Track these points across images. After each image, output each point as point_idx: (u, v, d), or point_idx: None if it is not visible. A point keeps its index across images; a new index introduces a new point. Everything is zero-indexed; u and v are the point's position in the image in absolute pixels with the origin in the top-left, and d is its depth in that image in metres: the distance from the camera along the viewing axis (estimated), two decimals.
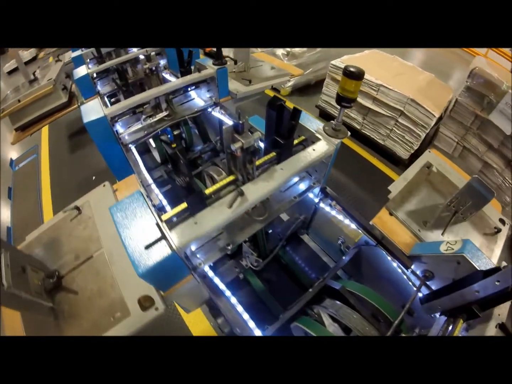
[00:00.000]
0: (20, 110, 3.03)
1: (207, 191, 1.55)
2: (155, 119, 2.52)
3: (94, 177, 4.17)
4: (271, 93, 4.88)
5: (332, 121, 1.81)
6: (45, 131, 5.22)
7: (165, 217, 1.38)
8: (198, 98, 2.77)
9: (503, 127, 3.23)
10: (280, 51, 5.26)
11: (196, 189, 1.50)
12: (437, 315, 1.49)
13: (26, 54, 8.38)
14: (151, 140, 3.05)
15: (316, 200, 2.22)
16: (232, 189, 1.70)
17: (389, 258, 1.77)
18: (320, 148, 1.73)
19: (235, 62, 2.96)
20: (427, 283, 1.59)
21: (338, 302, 1.74)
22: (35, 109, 3.16)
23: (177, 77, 2.82)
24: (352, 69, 1.37)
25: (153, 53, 2.39)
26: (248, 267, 2.36)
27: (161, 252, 1.22)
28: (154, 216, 1.32)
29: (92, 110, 2.26)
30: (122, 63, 3.16)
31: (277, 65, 3.26)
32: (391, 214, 1.88)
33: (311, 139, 1.85)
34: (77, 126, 5.12)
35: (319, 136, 1.80)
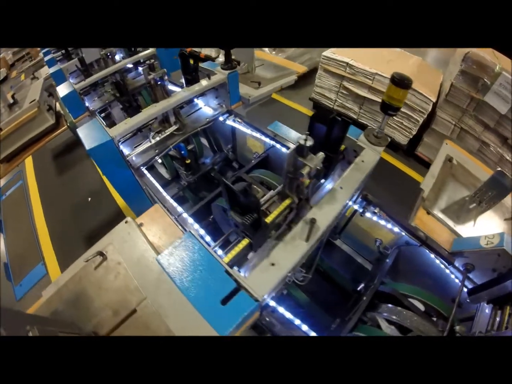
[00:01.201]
0: (3, 139, 2.53)
1: (268, 220, 1.28)
2: (164, 135, 2.15)
3: (89, 199, 3.69)
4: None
5: (372, 128, 1.67)
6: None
7: (227, 259, 1.17)
8: (206, 107, 2.41)
9: (498, 107, 3.15)
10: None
11: (263, 224, 1.21)
12: (483, 303, 1.46)
13: None
14: None
15: (356, 206, 1.95)
16: (286, 213, 1.42)
17: (431, 255, 1.70)
18: (369, 159, 1.55)
19: (238, 63, 2.60)
20: (468, 275, 1.56)
21: (394, 306, 1.61)
22: (20, 135, 2.63)
23: (180, 86, 2.42)
24: (401, 78, 1.23)
25: (156, 62, 1.98)
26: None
27: (243, 305, 0.98)
28: (219, 262, 1.07)
29: (94, 132, 1.85)
30: (111, 74, 2.72)
31: (279, 63, 2.93)
32: (428, 213, 1.83)
33: (351, 148, 1.68)
34: (61, 144, 4.55)
35: (362, 145, 1.61)
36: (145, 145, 2.09)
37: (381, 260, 2.15)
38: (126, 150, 2.02)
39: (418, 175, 3.91)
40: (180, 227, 1.62)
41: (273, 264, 1.11)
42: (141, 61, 2.92)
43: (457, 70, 3.39)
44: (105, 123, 2.67)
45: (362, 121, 4.28)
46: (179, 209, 1.76)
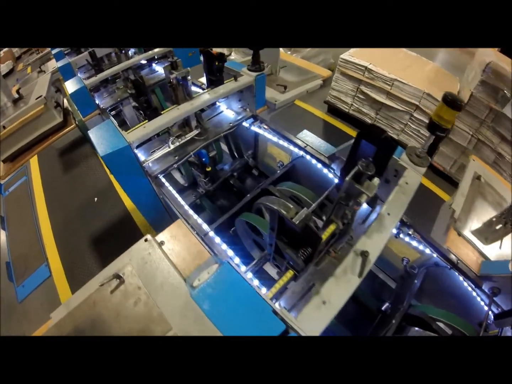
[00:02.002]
0: (7, 138, 2.24)
1: None
2: (184, 140, 1.89)
3: (96, 199, 3.41)
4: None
5: (414, 146, 1.56)
6: None
7: (270, 294, 1.11)
8: (228, 110, 2.15)
9: None
10: None
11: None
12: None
13: (3, 67, 6.71)
14: None
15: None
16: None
17: (460, 278, 1.61)
18: (412, 180, 1.43)
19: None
20: (494, 299, 1.50)
21: (423, 330, 1.50)
22: (25, 134, 2.34)
23: (199, 86, 2.15)
24: (454, 98, 1.12)
25: (179, 59, 1.71)
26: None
27: None
28: (265, 300, 0.92)
29: (108, 136, 1.59)
30: (124, 71, 2.45)
31: (302, 66, 2.67)
32: (459, 234, 1.76)
33: (392, 167, 1.52)
34: (67, 142, 4.24)
35: (405, 165, 1.48)
36: (163, 150, 1.82)
37: (407, 279, 1.98)
38: (141, 156, 1.76)
39: (433, 185, 3.71)
40: (206, 247, 1.37)
41: (324, 302, 0.98)
42: (155, 57, 2.65)
43: (477, 80, 3.20)
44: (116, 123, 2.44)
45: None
46: (205, 226, 1.51)
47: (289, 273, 1.15)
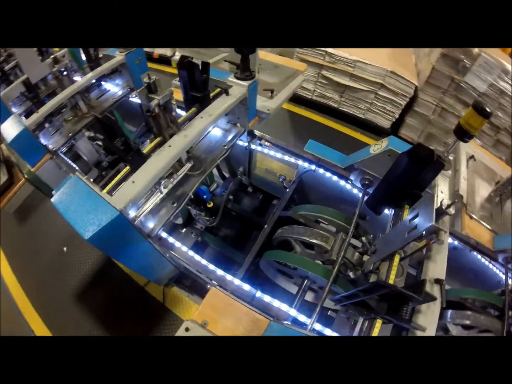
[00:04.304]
0: None
1: None
2: (177, 179, 1.45)
3: (65, 248, 2.75)
4: None
5: (437, 149, 1.45)
6: None
7: None
8: (216, 128, 1.72)
9: (477, 86, 3.09)
10: None
11: None
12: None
13: None
14: None
15: None
16: None
17: (478, 256, 1.64)
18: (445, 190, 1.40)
19: (238, 67, 1.90)
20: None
21: (457, 311, 1.46)
22: None
23: (181, 106, 1.66)
24: (483, 107, 1.05)
25: (157, 78, 1.23)
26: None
27: None
28: None
29: (84, 204, 1.09)
30: (71, 97, 1.84)
31: (277, 62, 2.28)
32: (471, 217, 1.77)
33: None
34: (20, 202, 3.27)
35: None
36: (155, 197, 1.38)
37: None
38: (132, 212, 1.30)
39: None
40: (263, 313, 1.04)
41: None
42: (105, 74, 2.06)
43: (437, 53, 3.15)
44: (74, 165, 1.87)
45: (343, 109, 3.85)
46: (247, 287, 1.15)
47: (379, 323, 1.02)
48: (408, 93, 3.36)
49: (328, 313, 1.76)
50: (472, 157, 2.08)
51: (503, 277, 1.61)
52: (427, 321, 1.04)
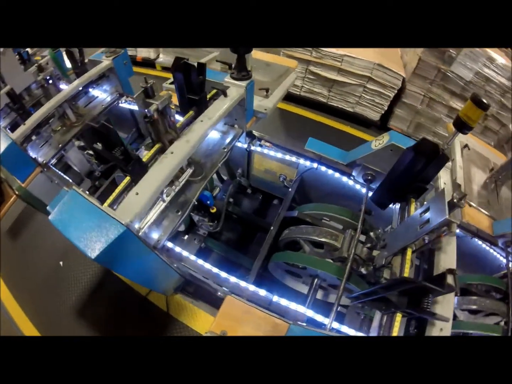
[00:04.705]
0: None
1: None
2: (179, 186, 1.40)
3: (61, 263, 2.63)
4: None
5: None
6: None
7: None
8: (214, 131, 1.67)
9: (463, 74, 3.14)
10: None
11: None
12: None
13: None
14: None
15: None
16: None
17: (479, 242, 1.70)
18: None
19: (230, 67, 1.85)
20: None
21: (463, 297, 1.57)
22: None
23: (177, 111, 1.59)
24: (481, 99, 1.07)
25: (153, 82, 1.17)
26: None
27: None
28: None
29: (85, 220, 1.02)
30: (58, 106, 1.75)
31: (268, 60, 2.24)
32: (470, 205, 1.77)
33: None
34: (13, 219, 3.08)
35: None
36: (158, 207, 1.32)
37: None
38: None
39: None
40: (282, 317, 1.01)
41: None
42: (92, 80, 1.97)
43: None
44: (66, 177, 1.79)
45: (332, 104, 3.85)
46: (264, 293, 1.12)
47: (399, 316, 1.02)
48: (396, 84, 3.38)
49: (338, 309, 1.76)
50: (466, 146, 2.11)
51: (504, 260, 1.66)
52: (444, 310, 1.05)
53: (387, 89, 3.45)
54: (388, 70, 3.29)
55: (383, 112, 3.66)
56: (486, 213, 1.78)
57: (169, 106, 1.25)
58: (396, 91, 3.45)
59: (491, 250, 1.74)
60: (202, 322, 2.22)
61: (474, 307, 1.58)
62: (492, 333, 1.50)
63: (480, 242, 1.72)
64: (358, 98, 3.66)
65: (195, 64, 1.36)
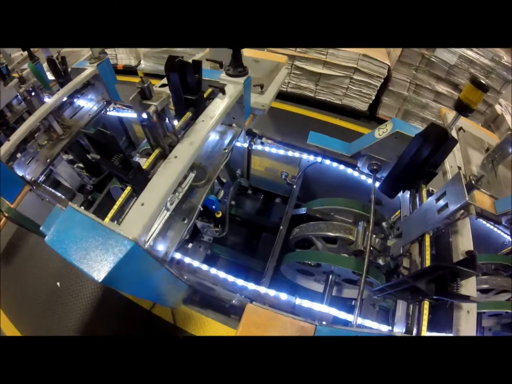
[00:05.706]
0: None
1: None
2: (182, 192, 1.32)
3: (58, 283, 2.48)
4: None
5: None
6: None
7: None
8: (212, 132, 1.59)
9: (447, 59, 3.15)
10: None
11: None
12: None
13: None
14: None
15: None
16: None
17: (483, 222, 1.66)
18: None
19: (221, 65, 1.77)
20: None
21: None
22: None
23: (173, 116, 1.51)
24: (482, 81, 1.06)
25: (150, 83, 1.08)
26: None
27: None
28: None
29: (88, 238, 0.93)
30: (44, 119, 1.63)
31: (258, 56, 2.17)
32: None
33: None
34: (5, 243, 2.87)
35: None
36: (162, 217, 1.24)
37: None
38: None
39: None
40: (308, 319, 0.96)
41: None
42: (77, 89, 1.85)
43: None
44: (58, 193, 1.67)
45: (320, 97, 3.82)
46: (285, 296, 1.06)
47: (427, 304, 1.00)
48: (382, 73, 3.39)
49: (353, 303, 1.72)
50: (461, 128, 2.11)
51: (508, 238, 1.69)
52: (468, 291, 1.04)
53: (373, 79, 3.45)
54: (373, 60, 3.30)
55: (371, 102, 3.67)
56: (488, 193, 1.80)
57: (168, 107, 1.17)
58: (382, 80, 3.45)
59: (495, 229, 1.73)
60: (211, 330, 2.13)
61: (485, 286, 1.58)
62: (506, 309, 1.48)
63: (484, 222, 1.70)
64: (345, 90, 3.64)
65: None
